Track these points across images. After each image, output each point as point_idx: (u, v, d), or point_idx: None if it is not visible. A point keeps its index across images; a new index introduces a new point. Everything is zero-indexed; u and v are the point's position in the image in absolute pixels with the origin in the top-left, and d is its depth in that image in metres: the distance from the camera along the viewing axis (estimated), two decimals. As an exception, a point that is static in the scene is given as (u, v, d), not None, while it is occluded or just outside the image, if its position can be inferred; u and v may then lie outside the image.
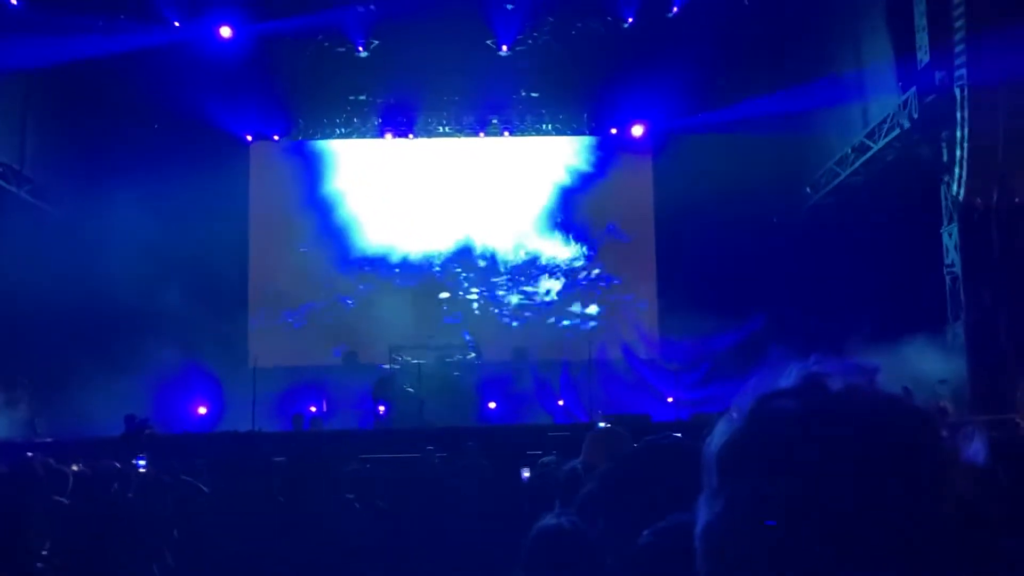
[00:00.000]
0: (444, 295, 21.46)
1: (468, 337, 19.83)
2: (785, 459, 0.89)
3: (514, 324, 21.47)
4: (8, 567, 5.75)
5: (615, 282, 21.71)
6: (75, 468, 8.18)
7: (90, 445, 12.48)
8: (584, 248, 21.92)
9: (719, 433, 0.97)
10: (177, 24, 18.60)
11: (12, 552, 5.91)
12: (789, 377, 0.96)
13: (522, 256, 21.86)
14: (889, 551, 0.85)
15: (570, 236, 21.92)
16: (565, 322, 21.41)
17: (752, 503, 0.90)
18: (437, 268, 21.71)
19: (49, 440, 13.80)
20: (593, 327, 20.89)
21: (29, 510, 6.42)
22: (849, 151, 17.79)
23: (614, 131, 21.91)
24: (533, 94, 21.33)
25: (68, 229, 18.70)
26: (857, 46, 17.48)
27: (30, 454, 9.32)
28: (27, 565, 5.98)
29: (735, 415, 0.96)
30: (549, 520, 2.58)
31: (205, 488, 6.37)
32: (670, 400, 18.97)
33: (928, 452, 0.90)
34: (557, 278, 21.83)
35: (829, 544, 0.85)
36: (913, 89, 15.01)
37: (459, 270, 21.71)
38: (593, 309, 21.58)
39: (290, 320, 20.28)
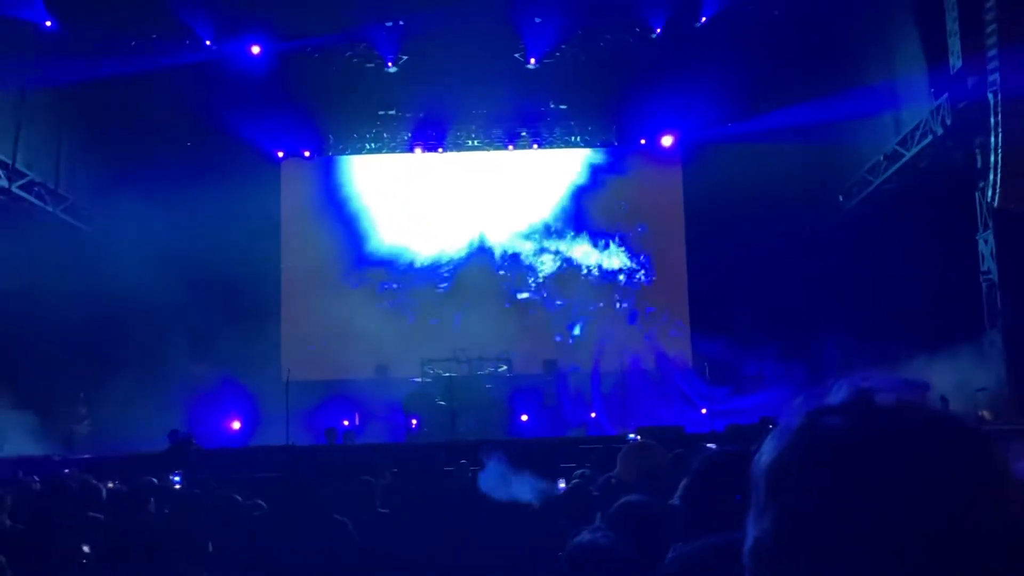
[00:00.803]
0: (473, 312, 21.47)
1: (510, 354, 19.79)
2: (834, 476, 0.88)
3: (544, 336, 21.41)
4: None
5: (646, 293, 21.63)
6: (110, 485, 8.26)
7: (128, 461, 12.60)
8: (615, 259, 21.86)
9: (767, 450, 0.96)
10: (209, 43, 18.78)
11: (44, 565, 5.97)
12: (838, 393, 0.95)
13: (553, 268, 21.83)
14: (941, 570, 0.84)
15: (600, 247, 21.87)
16: (595, 334, 21.30)
17: (801, 520, 0.89)
18: (467, 281, 21.72)
19: (87, 456, 13.93)
20: (624, 338, 20.77)
21: (60, 525, 6.48)
22: (881, 159, 17.66)
23: (643, 142, 21.88)
24: (562, 106, 21.35)
25: (102, 246, 18.89)
26: (889, 53, 17.35)
27: (67, 471, 9.43)
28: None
29: (783, 431, 0.95)
30: (585, 536, 2.57)
31: (239, 498, 6.38)
32: (704, 411, 18.85)
33: (982, 470, 0.88)
34: (588, 290, 21.77)
35: (879, 562, 0.85)
36: (946, 95, 14.89)
37: (492, 281, 21.71)
38: (624, 320, 21.49)
39: (322, 335, 20.34)
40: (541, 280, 21.85)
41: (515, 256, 21.86)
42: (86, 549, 6.00)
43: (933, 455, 0.88)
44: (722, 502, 1.95)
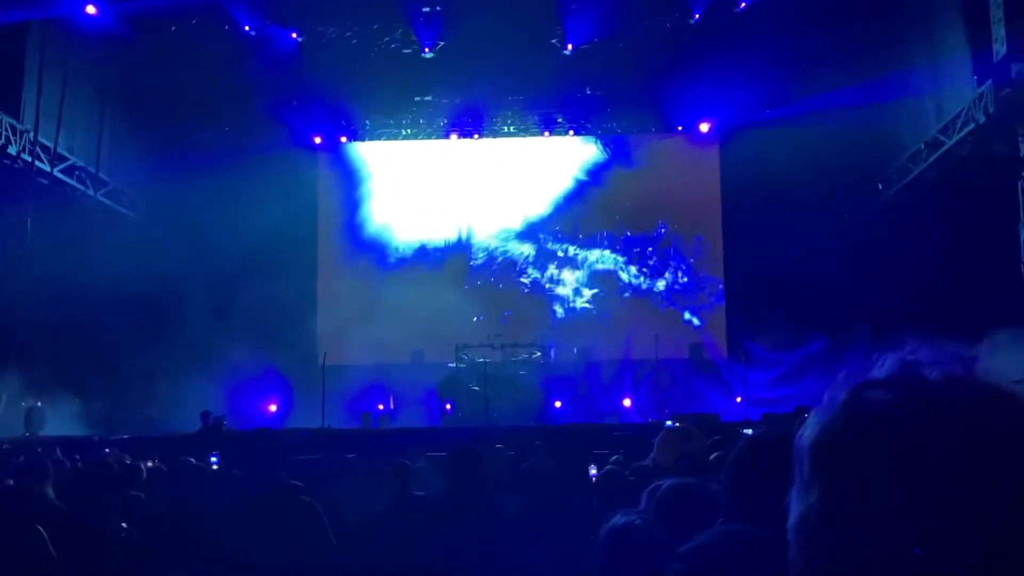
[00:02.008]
0: (506, 301, 21.51)
1: (546, 340, 19.79)
2: (879, 449, 0.88)
3: (578, 323, 21.41)
4: (85, 555, 5.91)
5: (681, 280, 21.55)
6: (150, 464, 8.39)
7: (165, 442, 12.76)
8: (652, 247, 21.80)
9: (811, 424, 0.96)
10: (248, 29, 18.89)
11: (85, 541, 6.07)
12: (884, 367, 0.95)
13: (588, 255, 21.82)
14: (990, 540, 0.83)
15: (637, 234, 21.82)
16: (629, 321, 21.24)
17: (846, 493, 0.89)
18: (504, 268, 21.78)
19: (126, 437, 14.12)
20: (658, 326, 20.69)
21: (103, 503, 6.59)
22: (922, 146, 17.42)
23: (680, 129, 21.77)
24: (598, 92, 21.25)
25: (142, 230, 19.13)
26: (931, 38, 17.10)
27: (107, 450, 9.58)
28: (103, 554, 6.15)
29: (828, 406, 0.95)
30: (621, 518, 2.57)
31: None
32: (739, 400, 18.78)
33: None
34: (623, 276, 21.74)
35: (924, 535, 0.85)
36: (989, 82, 14.65)
37: (524, 269, 21.75)
38: (658, 307, 21.43)
39: (358, 319, 20.44)
40: (576, 267, 21.83)
41: (549, 243, 21.85)
42: (124, 525, 6.09)
43: (980, 428, 0.87)
44: (763, 486, 1.95)
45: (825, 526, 0.90)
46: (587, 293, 21.76)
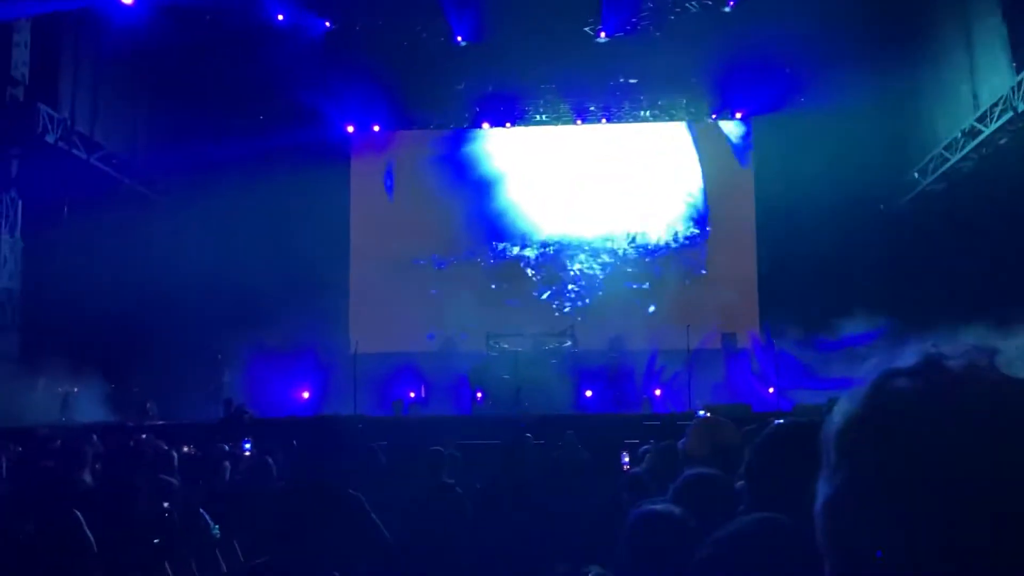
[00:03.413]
0: (536, 276, 21.51)
1: (577, 329, 19.74)
2: (904, 435, 0.92)
3: (609, 312, 21.36)
4: (117, 537, 5.99)
5: (713, 270, 21.44)
6: (185, 450, 8.48)
7: (197, 428, 12.89)
8: (683, 235, 21.71)
9: (839, 412, 1.00)
10: (281, 17, 18.96)
11: (122, 526, 6.15)
12: (909, 357, 0.99)
13: (619, 244, 21.77)
14: (1007, 524, 0.87)
15: (668, 223, 21.73)
16: (661, 310, 21.15)
17: (871, 477, 0.93)
18: (532, 256, 21.78)
19: (160, 423, 14.29)
20: (689, 316, 20.60)
21: (136, 487, 6.67)
22: (959, 135, 17.20)
23: (714, 117, 21.65)
24: (631, 80, 21.14)
25: (175, 218, 19.28)
26: (967, 26, 16.88)
27: (144, 436, 9.68)
28: (135, 535, 6.23)
29: (855, 394, 0.99)
30: (651, 505, 2.57)
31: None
32: (771, 390, 18.68)
33: None
34: (653, 266, 21.66)
35: (947, 518, 0.88)
36: (1028, 70, 14.45)
37: (555, 257, 21.74)
38: (689, 297, 21.32)
39: (389, 307, 20.52)
40: (607, 257, 21.79)
41: (580, 232, 21.81)
42: (166, 505, 6.17)
43: (999, 418, 0.91)
44: (785, 475, 1.94)
45: (850, 509, 0.95)
46: (618, 281, 21.69)
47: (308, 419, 12.47)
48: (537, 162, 21.89)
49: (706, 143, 21.78)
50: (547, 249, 21.82)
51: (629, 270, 21.74)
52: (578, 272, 21.80)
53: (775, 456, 2.06)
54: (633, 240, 21.78)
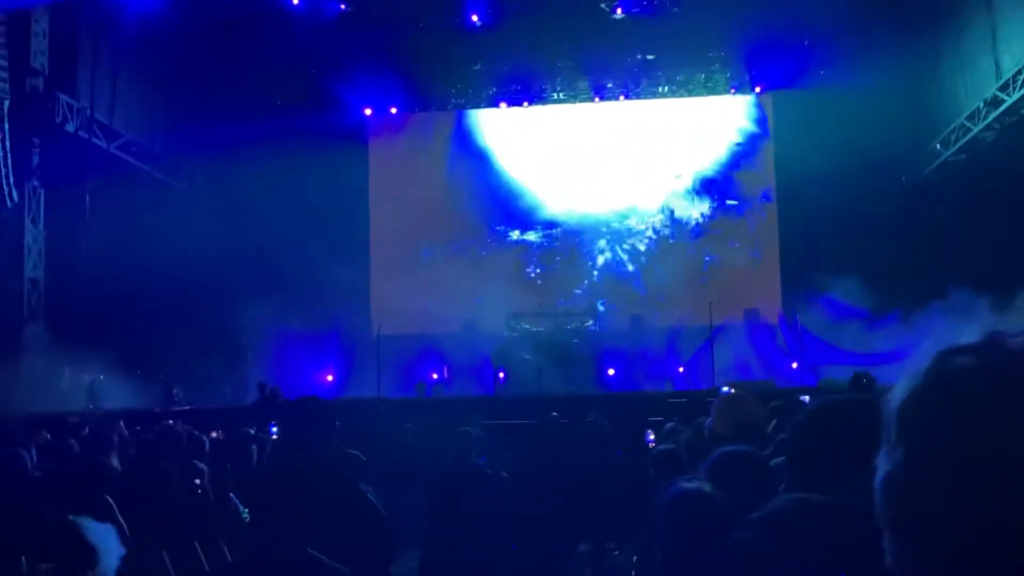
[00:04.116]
0: (560, 257, 21.51)
1: (600, 308, 19.71)
2: (964, 411, 0.93)
3: (631, 290, 21.33)
4: (147, 521, 6.06)
5: (735, 247, 21.34)
6: (214, 435, 8.54)
7: (224, 413, 12.98)
8: (703, 212, 21.62)
9: (899, 389, 1.01)
10: (296, 1, 18.95)
11: (153, 508, 6.22)
12: (970, 335, 1.00)
13: (640, 222, 21.70)
14: None
15: (688, 199, 21.64)
16: (681, 288, 21.11)
17: (931, 452, 0.95)
18: (557, 235, 21.76)
19: (187, 408, 14.39)
20: (711, 293, 20.54)
21: (171, 473, 6.74)
22: (981, 105, 17.02)
23: (732, 92, 21.51)
24: (649, 57, 21.01)
25: (196, 204, 19.35)
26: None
27: (171, 422, 9.76)
28: (164, 519, 6.30)
29: (915, 372, 1.00)
30: (687, 485, 2.57)
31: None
32: (795, 366, 18.63)
33: None
34: (674, 243, 21.59)
35: (1010, 489, 0.90)
36: (1051, 36, 14.27)
37: (577, 236, 21.70)
38: (711, 273, 21.25)
39: (411, 289, 20.56)
40: (627, 235, 21.73)
41: (600, 212, 21.75)
42: (197, 481, 6.22)
43: None
44: (826, 454, 1.94)
45: (909, 483, 0.96)
46: (638, 259, 21.64)
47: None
48: (555, 141, 21.81)
49: (724, 115, 21.65)
50: (567, 229, 21.76)
51: (650, 248, 21.66)
52: (598, 251, 21.74)
53: (817, 434, 2.05)
54: (652, 218, 21.70)
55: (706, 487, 2.54)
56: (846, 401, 2.14)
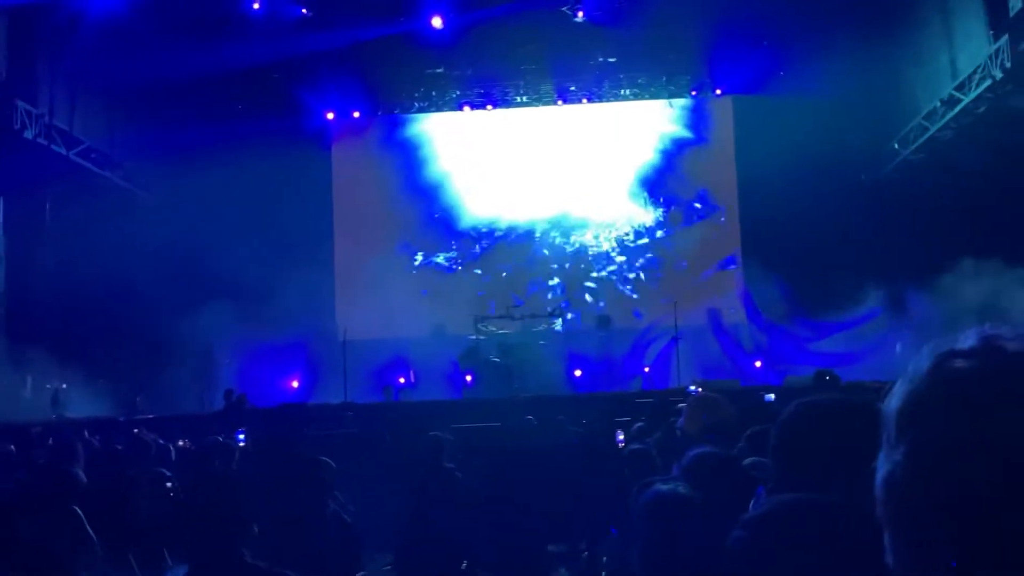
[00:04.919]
0: (526, 258, 21.55)
1: (567, 310, 19.73)
2: (962, 412, 0.97)
3: (596, 292, 21.42)
4: (115, 530, 6.02)
5: (698, 246, 21.49)
6: (180, 443, 8.49)
7: (189, 420, 12.89)
8: (667, 213, 21.75)
9: (898, 391, 1.05)
10: (257, 6, 18.85)
11: (120, 517, 6.18)
12: (967, 339, 1.03)
13: (603, 225, 21.79)
14: None
15: (650, 200, 21.76)
16: (647, 288, 21.27)
17: (930, 452, 0.98)
18: (520, 239, 21.79)
19: (151, 416, 14.26)
20: (676, 293, 20.70)
21: (138, 481, 6.69)
22: (938, 104, 17.28)
23: (694, 94, 21.66)
24: (611, 59, 21.11)
25: (158, 211, 19.18)
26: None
27: (136, 431, 9.68)
28: (132, 528, 6.25)
29: (914, 374, 1.04)
30: (663, 486, 2.60)
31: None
32: (758, 364, 18.80)
33: None
34: (641, 244, 21.70)
35: (1008, 489, 0.93)
36: (1005, 37, 14.49)
37: (540, 240, 21.76)
38: (675, 274, 21.39)
39: (376, 293, 20.50)
40: (591, 237, 21.81)
41: (564, 213, 21.82)
42: (168, 485, 6.18)
43: None
44: (813, 455, 1.97)
45: (909, 482, 0.99)
46: (603, 261, 21.74)
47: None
48: (518, 144, 21.84)
49: (687, 118, 21.80)
50: (531, 231, 21.81)
51: (614, 250, 21.76)
52: (564, 253, 21.81)
53: (803, 435, 2.08)
54: (616, 220, 21.80)
55: (682, 488, 2.57)
56: (831, 402, 2.18)
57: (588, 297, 21.31)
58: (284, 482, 4.70)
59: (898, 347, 16.69)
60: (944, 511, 0.95)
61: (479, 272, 21.22)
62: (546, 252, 21.77)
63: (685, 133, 21.72)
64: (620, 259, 21.71)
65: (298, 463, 4.59)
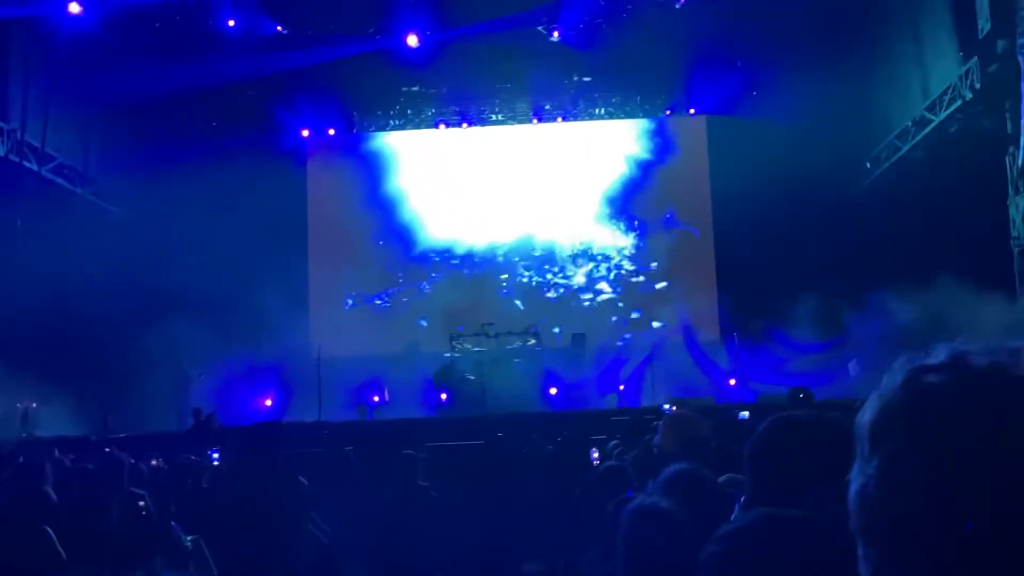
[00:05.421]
0: (504, 276, 21.58)
1: (541, 327, 19.69)
2: (932, 426, 1.00)
3: (572, 310, 21.46)
4: (87, 550, 5.94)
5: (673, 265, 21.56)
6: (153, 463, 8.41)
7: (161, 439, 12.78)
8: (642, 232, 21.84)
9: (870, 406, 1.07)
10: (232, 23, 18.84)
11: (92, 536, 6.10)
12: (938, 355, 1.06)
13: (580, 243, 21.85)
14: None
15: (625, 218, 21.85)
16: (622, 306, 21.33)
17: (902, 465, 1.00)
18: (497, 257, 21.80)
19: (122, 436, 14.12)
20: (651, 311, 20.78)
21: (110, 501, 6.61)
22: (909, 124, 17.48)
23: (668, 113, 21.80)
24: (585, 78, 21.23)
25: (131, 228, 19.06)
26: (914, 16, 17.17)
27: (108, 450, 9.59)
28: (104, 548, 6.18)
29: (886, 388, 1.06)
30: (645, 500, 2.61)
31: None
32: (732, 382, 18.85)
33: None
34: (616, 263, 21.77)
35: (972, 505, 0.95)
36: (975, 59, 14.71)
37: (517, 258, 21.78)
38: (650, 293, 21.47)
39: (351, 311, 20.45)
40: (566, 255, 21.86)
41: (539, 233, 21.86)
42: (142, 503, 6.12)
43: (1021, 411, 0.98)
44: (788, 470, 1.99)
45: (882, 494, 1.02)
46: (578, 279, 21.79)
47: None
48: (490, 163, 21.89)
49: (661, 137, 21.91)
50: (507, 248, 21.82)
51: (589, 267, 21.82)
52: (539, 271, 21.83)
53: (779, 450, 2.10)
54: (592, 238, 21.86)
55: (664, 503, 2.57)
56: (807, 417, 2.20)
57: (563, 314, 21.31)
58: (260, 502, 4.67)
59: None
60: (916, 522, 0.98)
61: (455, 288, 21.17)
62: (523, 268, 21.78)
63: (658, 152, 21.81)
64: (595, 276, 21.76)
65: (274, 483, 4.56)
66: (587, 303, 21.59)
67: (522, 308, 21.27)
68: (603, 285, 21.72)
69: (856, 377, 16.85)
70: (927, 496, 0.97)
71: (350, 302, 20.92)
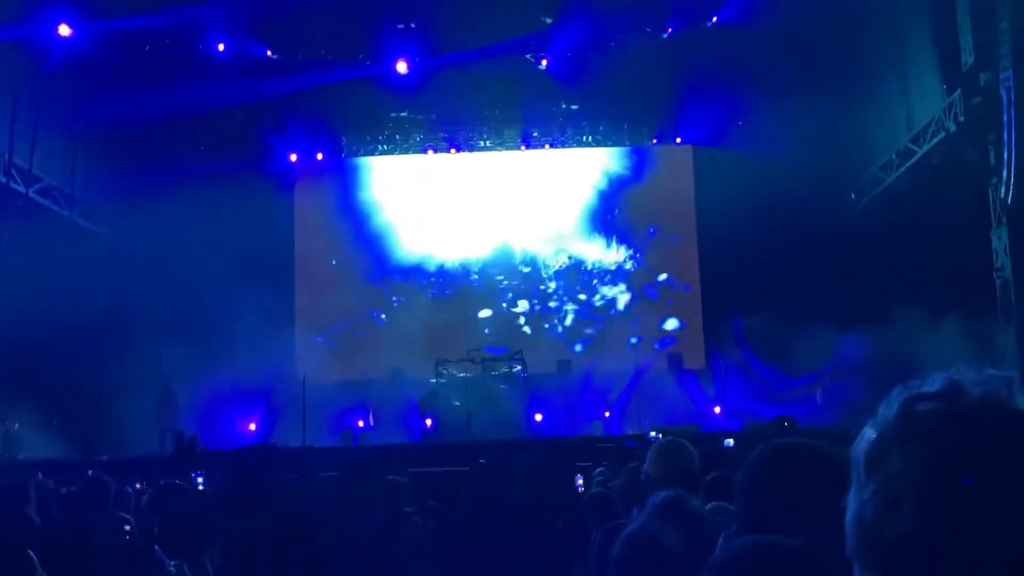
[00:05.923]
0: (485, 313, 21.59)
1: (520, 351, 19.67)
2: (927, 452, 1.03)
3: (557, 336, 21.48)
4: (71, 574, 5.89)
5: (658, 292, 21.64)
6: (137, 486, 8.36)
7: (145, 462, 12.70)
8: (627, 259, 21.90)
9: (866, 435, 1.11)
10: (222, 47, 18.89)
11: (73, 563, 6.05)
12: (933, 384, 1.09)
13: (565, 266, 21.90)
14: (1014, 531, 0.98)
15: (612, 247, 21.92)
16: (608, 334, 21.36)
17: (897, 490, 1.03)
18: (478, 279, 21.83)
19: (104, 459, 14.03)
20: (636, 338, 20.82)
21: (95, 524, 6.56)
22: (894, 156, 17.65)
23: (655, 142, 21.93)
24: (573, 106, 21.37)
25: (117, 250, 19.00)
26: (899, 49, 17.36)
27: (90, 472, 9.52)
28: (88, 572, 6.12)
29: (882, 416, 1.10)
30: (637, 526, 2.62)
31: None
32: (717, 410, 18.87)
33: None
34: (600, 290, 21.82)
35: (967, 528, 0.98)
36: (958, 91, 14.87)
37: (503, 281, 21.80)
38: (636, 320, 21.51)
39: (337, 335, 20.42)
40: (554, 281, 21.89)
41: (525, 258, 21.91)
42: (128, 528, 6.07)
43: (1012, 439, 1.02)
44: (780, 497, 2.00)
45: (878, 519, 1.04)
46: (564, 305, 21.82)
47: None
48: (480, 188, 21.96)
49: (647, 166, 22.02)
50: (492, 274, 21.86)
51: (575, 294, 21.86)
52: (524, 297, 21.86)
53: (771, 477, 2.11)
54: (577, 265, 21.92)
55: (658, 530, 2.58)
56: (798, 444, 2.22)
57: (548, 341, 21.32)
58: (248, 529, 4.65)
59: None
60: (911, 546, 1.00)
61: (440, 314, 21.17)
62: (508, 295, 21.81)
63: (644, 181, 21.91)
64: (581, 303, 21.81)
65: (264, 509, 4.53)
66: (571, 328, 21.60)
67: (513, 332, 21.28)
68: (589, 313, 21.75)
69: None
70: (922, 521, 1.00)
71: (336, 326, 20.88)
